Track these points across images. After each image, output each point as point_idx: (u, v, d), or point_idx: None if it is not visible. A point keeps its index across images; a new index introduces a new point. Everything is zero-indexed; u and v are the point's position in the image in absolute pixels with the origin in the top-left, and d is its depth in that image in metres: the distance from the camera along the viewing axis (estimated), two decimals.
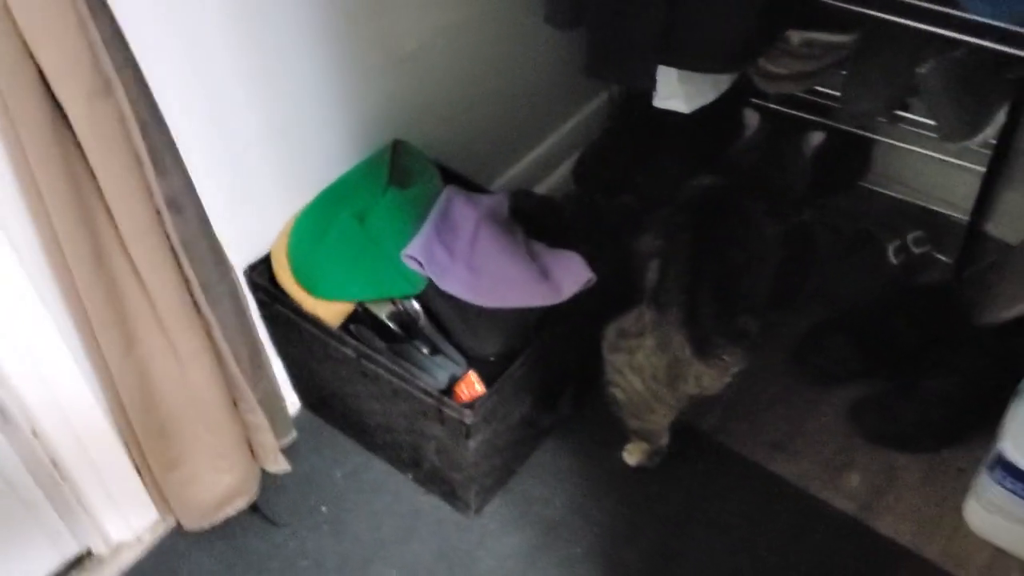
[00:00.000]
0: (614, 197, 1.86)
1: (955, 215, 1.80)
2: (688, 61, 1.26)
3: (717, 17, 1.19)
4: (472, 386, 1.24)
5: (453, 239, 1.30)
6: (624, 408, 1.35)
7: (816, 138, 1.77)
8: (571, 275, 1.29)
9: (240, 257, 1.34)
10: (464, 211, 1.33)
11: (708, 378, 1.26)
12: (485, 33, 1.56)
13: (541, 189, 1.87)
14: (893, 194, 1.82)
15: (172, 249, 1.09)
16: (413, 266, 1.29)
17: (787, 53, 1.53)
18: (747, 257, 1.31)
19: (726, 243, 1.29)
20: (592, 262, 1.33)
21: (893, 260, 1.65)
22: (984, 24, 1.42)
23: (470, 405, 1.22)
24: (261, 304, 1.38)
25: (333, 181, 1.37)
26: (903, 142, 1.74)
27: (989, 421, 1.45)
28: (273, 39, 1.22)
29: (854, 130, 1.70)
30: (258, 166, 1.30)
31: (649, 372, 1.27)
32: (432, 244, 1.29)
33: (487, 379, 1.28)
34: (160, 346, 1.15)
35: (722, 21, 1.19)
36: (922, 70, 1.45)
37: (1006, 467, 1.27)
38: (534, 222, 1.47)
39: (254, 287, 1.36)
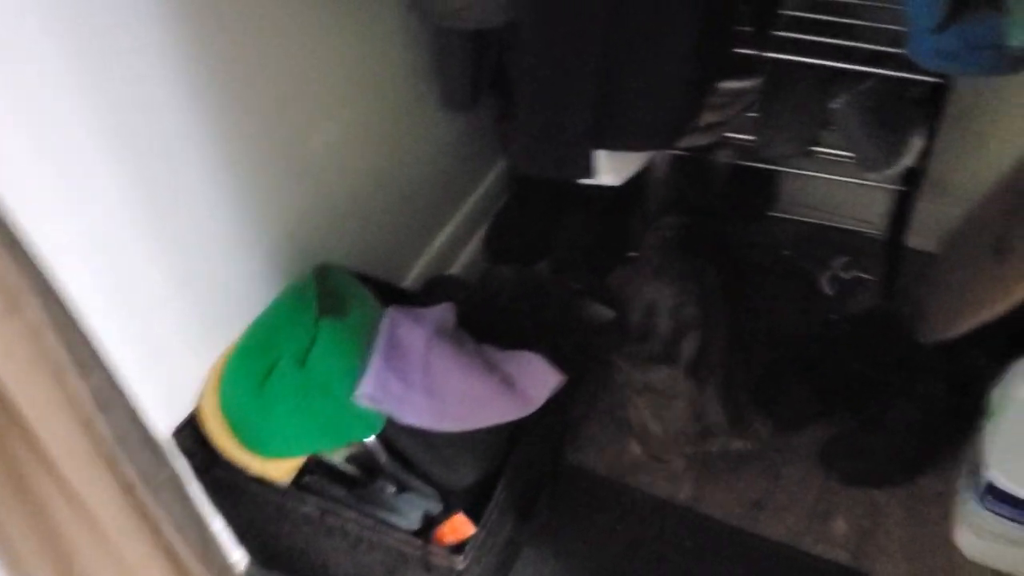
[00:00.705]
0: (529, 265, 1.80)
1: (871, 232, 1.82)
2: (626, 143, 1.19)
3: (652, 94, 1.13)
4: (461, 528, 1.14)
5: (405, 365, 1.20)
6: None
7: (718, 167, 1.77)
8: (538, 380, 1.21)
9: (165, 423, 1.20)
10: (411, 332, 1.22)
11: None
12: (382, 126, 1.46)
13: (455, 269, 1.78)
14: (803, 219, 1.82)
15: (105, 454, 0.95)
16: (368, 404, 1.17)
17: None
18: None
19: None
20: (555, 357, 1.24)
21: (828, 291, 1.64)
22: (885, 53, 1.43)
23: (458, 548, 1.12)
24: (197, 470, 1.24)
25: (257, 322, 1.24)
26: (808, 170, 1.74)
27: (957, 440, 1.46)
28: (166, 184, 1.09)
29: (756, 164, 1.69)
30: (169, 322, 1.16)
31: (676, 426, 1.34)
32: (384, 376, 1.18)
33: (465, 507, 1.18)
34: (103, 563, 1.00)
35: (658, 97, 1.13)
36: (835, 105, 1.44)
37: (996, 494, 1.26)
38: (473, 317, 1.39)
39: (187, 453, 1.22)
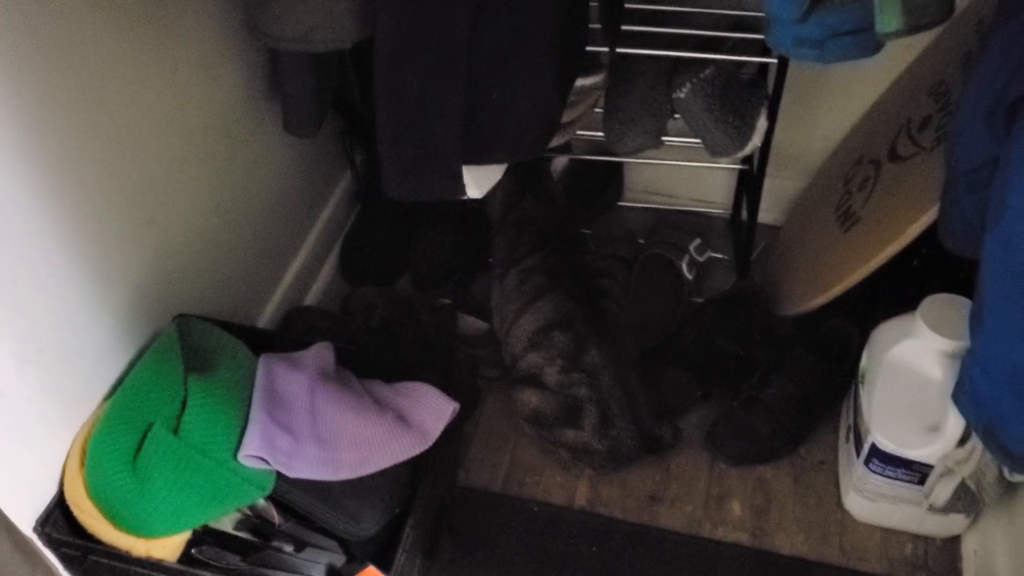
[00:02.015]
0: (390, 283, 1.73)
1: (718, 212, 1.86)
2: (496, 156, 1.15)
3: (519, 104, 1.09)
4: None
5: (289, 416, 1.12)
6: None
7: (559, 164, 1.77)
8: (432, 412, 1.15)
9: (29, 515, 1.07)
10: (290, 379, 1.14)
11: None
12: (222, 159, 1.36)
13: (313, 296, 1.69)
14: (652, 206, 1.85)
15: None
16: (255, 464, 1.08)
17: None
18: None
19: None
20: (445, 381, 1.19)
21: (688, 275, 1.66)
22: (718, 38, 1.46)
23: None
24: (69, 561, 1.11)
25: (119, 390, 1.12)
26: (654, 158, 1.76)
27: (833, 408, 1.51)
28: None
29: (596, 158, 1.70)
30: (19, 405, 1.04)
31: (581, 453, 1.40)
32: (269, 431, 1.09)
33: (370, 554, 1.12)
34: None
35: (525, 106, 1.10)
36: (679, 95, 1.45)
37: (881, 456, 1.31)
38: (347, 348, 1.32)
39: (55, 544, 1.09)
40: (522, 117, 1.12)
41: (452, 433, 1.19)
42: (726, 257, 1.78)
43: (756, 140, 1.47)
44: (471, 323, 1.60)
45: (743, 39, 1.46)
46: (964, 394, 1.09)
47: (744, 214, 1.82)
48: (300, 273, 1.64)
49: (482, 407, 1.56)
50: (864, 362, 1.41)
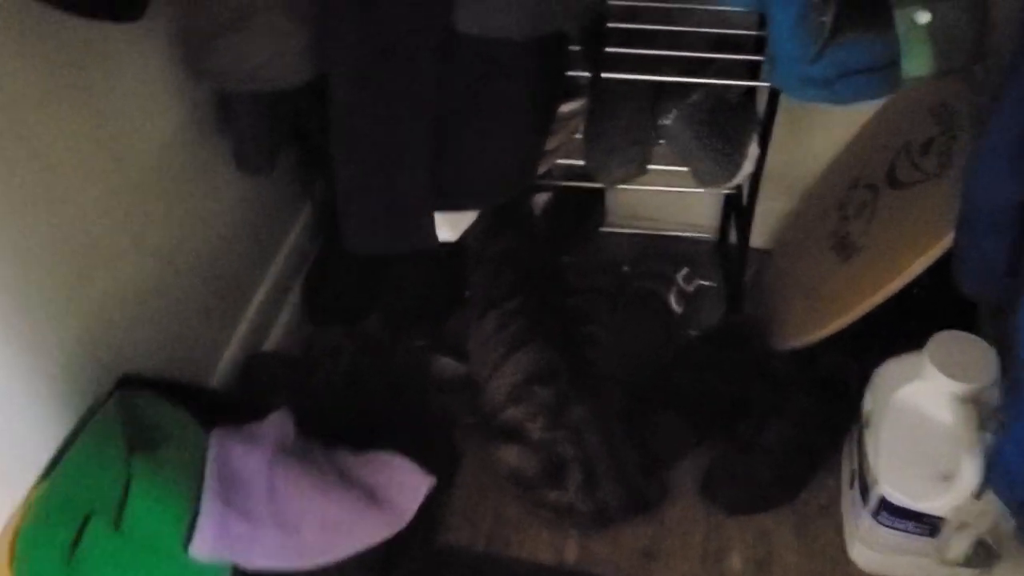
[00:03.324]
0: (358, 322, 1.62)
1: (705, 236, 1.77)
2: (472, 203, 1.05)
3: (496, 148, 0.99)
4: None
5: (247, 499, 1.00)
6: None
7: (541, 200, 1.66)
8: (405, 488, 1.05)
9: None
10: (248, 457, 1.03)
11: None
12: (169, 201, 1.25)
13: (275, 339, 1.57)
14: (636, 231, 1.75)
15: None
16: (208, 556, 0.97)
17: None
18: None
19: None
20: (420, 449, 1.09)
21: (677, 309, 1.57)
22: (703, 59, 1.35)
23: None
24: None
25: (53, 475, 1.00)
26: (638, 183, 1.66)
27: (830, 451, 1.42)
28: None
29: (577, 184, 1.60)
30: None
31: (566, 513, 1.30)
32: (223, 517, 0.98)
33: None
34: None
35: (503, 149, 0.99)
36: (666, 122, 1.35)
37: (891, 509, 1.22)
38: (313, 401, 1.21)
39: None
40: (496, 161, 1.01)
41: (429, 506, 1.08)
42: (714, 284, 1.69)
43: (747, 168, 1.37)
44: (447, 365, 1.50)
45: (728, 60, 1.37)
46: (997, 472, 1.00)
47: (732, 237, 1.73)
48: (260, 315, 1.53)
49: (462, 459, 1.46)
50: (868, 404, 1.32)
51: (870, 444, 1.28)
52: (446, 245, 1.52)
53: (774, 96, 1.33)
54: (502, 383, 1.33)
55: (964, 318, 1.33)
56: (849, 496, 1.35)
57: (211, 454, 1.02)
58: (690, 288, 1.60)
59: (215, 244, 1.38)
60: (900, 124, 1.47)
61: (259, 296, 1.53)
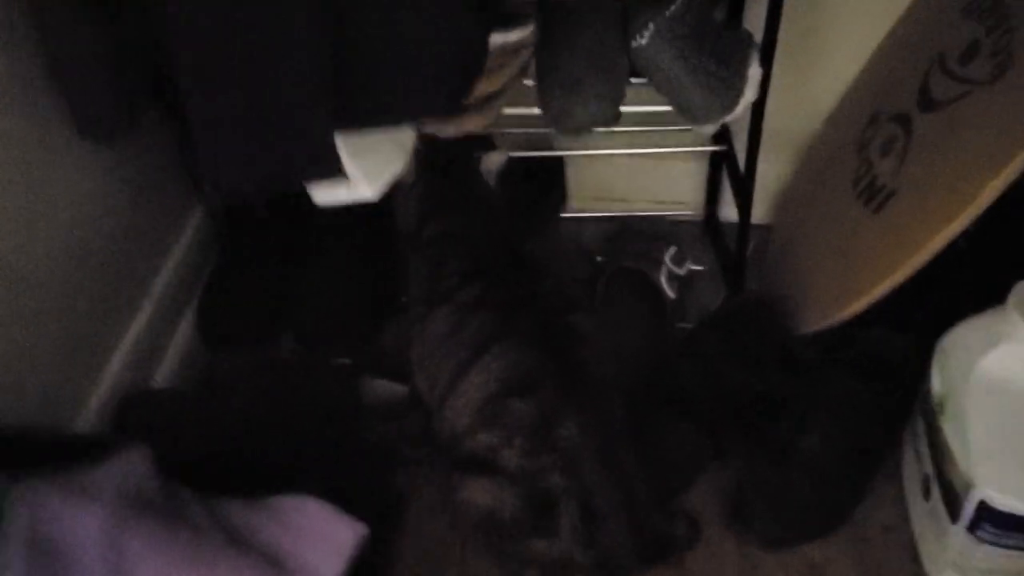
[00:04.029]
0: (266, 344, 1.28)
1: (684, 213, 1.46)
2: (389, 115, 0.72)
3: (414, 27, 0.66)
4: None
5: None
6: None
7: (495, 162, 1.31)
8: (324, 545, 0.71)
9: None
10: (73, 521, 0.67)
11: None
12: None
13: (165, 372, 1.22)
14: (598, 215, 1.44)
15: None
16: None
17: None
18: None
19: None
20: (346, 491, 0.74)
21: (671, 294, 1.25)
22: None
23: None
24: None
25: None
26: (604, 147, 1.36)
27: (887, 452, 1.11)
28: None
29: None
30: None
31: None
32: None
33: None
34: None
35: (425, 28, 0.66)
36: (640, 41, 1.04)
37: (998, 520, 0.90)
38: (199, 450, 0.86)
39: None
40: (421, 48, 0.68)
41: (363, 569, 0.73)
42: (705, 268, 1.38)
43: (749, 94, 1.08)
44: (383, 388, 1.16)
45: None
46: None
47: (722, 213, 1.43)
48: (141, 345, 1.17)
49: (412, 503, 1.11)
50: (938, 385, 1.01)
51: (951, 436, 0.96)
52: (369, 215, 1.21)
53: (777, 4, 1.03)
54: (465, 400, 0.99)
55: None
56: (923, 509, 1.03)
57: (18, 521, 0.66)
58: (682, 271, 1.29)
59: (71, 255, 1.03)
60: (926, 35, 1.19)
61: (140, 321, 1.18)
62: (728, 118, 1.07)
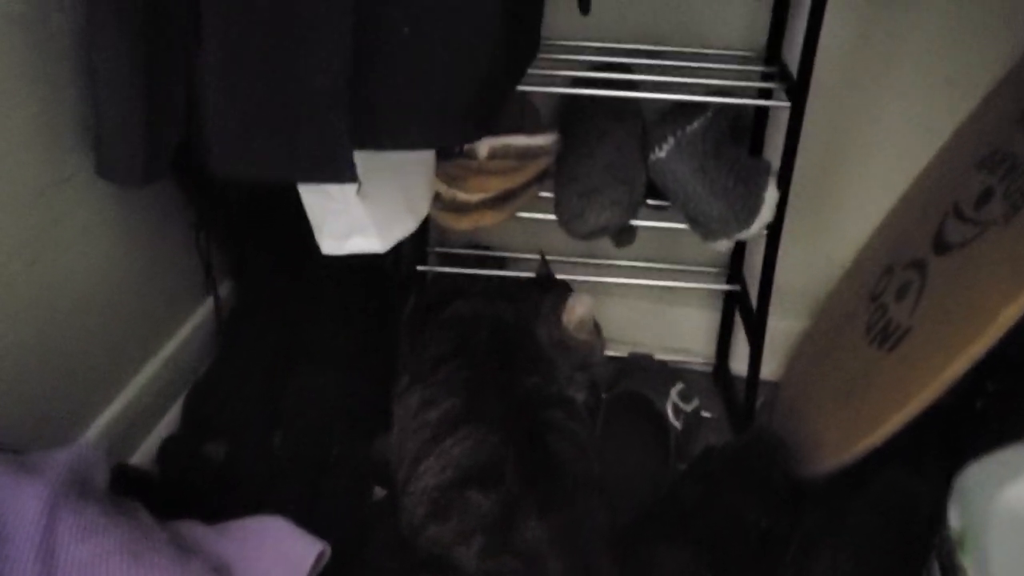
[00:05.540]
0: (252, 440, 1.22)
1: (693, 361, 1.43)
2: (407, 136, 0.72)
3: (441, 45, 0.68)
4: None
5: (3, 560, 0.58)
6: None
7: (582, 309, 1.25)
8: (279, 558, 0.64)
9: None
10: (13, 497, 0.61)
11: None
12: None
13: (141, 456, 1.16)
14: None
15: None
16: None
17: (477, 171, 1.08)
18: None
19: None
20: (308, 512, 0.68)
21: (676, 424, 1.20)
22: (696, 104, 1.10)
23: None
24: None
25: None
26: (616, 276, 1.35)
27: None
28: None
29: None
30: None
31: None
32: None
33: None
34: None
35: (451, 50, 0.68)
36: (659, 154, 1.07)
37: None
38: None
39: None
40: (446, 67, 0.70)
41: None
42: (714, 416, 1.33)
43: (766, 215, 1.09)
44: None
45: (727, 104, 1.11)
46: None
47: (731, 364, 1.40)
48: (118, 427, 1.12)
49: None
50: (956, 522, 0.94)
51: (973, 572, 0.89)
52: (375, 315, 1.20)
53: (796, 125, 1.06)
54: (423, 486, 0.92)
55: None
56: None
57: None
58: (688, 408, 1.25)
59: (65, 305, 1.01)
60: (940, 189, 1.21)
61: (121, 401, 1.14)
62: (744, 235, 1.08)
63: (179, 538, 0.65)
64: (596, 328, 1.10)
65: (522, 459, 0.90)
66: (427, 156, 0.94)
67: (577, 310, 1.07)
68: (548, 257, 1.22)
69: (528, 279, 1.22)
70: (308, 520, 0.77)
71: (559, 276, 1.20)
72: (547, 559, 0.85)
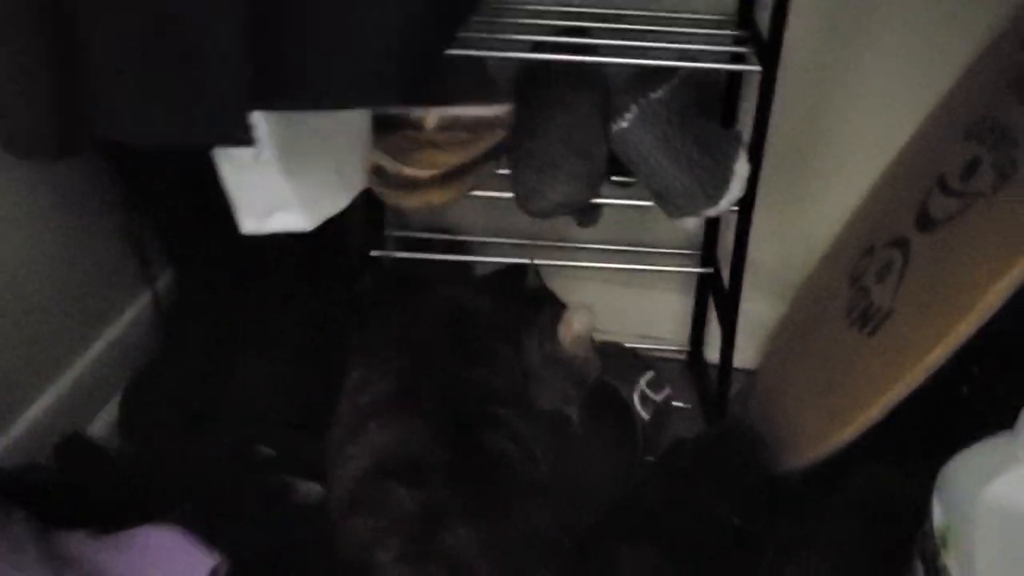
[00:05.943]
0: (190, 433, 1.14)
1: (666, 349, 1.36)
2: (322, 95, 0.64)
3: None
4: None
5: None
6: None
7: (582, 324, 1.17)
8: (168, 569, 0.56)
9: None
10: None
11: None
12: None
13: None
14: None
15: None
16: None
17: (425, 144, 1.00)
18: None
19: None
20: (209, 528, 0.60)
21: (643, 414, 1.12)
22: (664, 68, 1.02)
23: None
24: None
25: None
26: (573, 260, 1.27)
27: None
28: None
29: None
30: None
31: None
32: None
33: None
34: None
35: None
36: (622, 124, 0.99)
37: None
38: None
39: None
40: (355, 14, 0.62)
41: None
42: (687, 406, 1.26)
43: (736, 190, 1.01)
44: (306, 490, 1.01)
45: (695, 70, 1.03)
46: None
47: (706, 352, 1.33)
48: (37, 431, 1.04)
49: None
50: (939, 517, 0.87)
51: (956, 571, 0.82)
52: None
53: (768, 87, 0.98)
54: (344, 473, 0.84)
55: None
56: None
57: None
58: (658, 397, 1.17)
59: None
60: (925, 162, 1.13)
61: (59, 387, 1.07)
62: (712, 211, 1.00)
63: (57, 552, 0.57)
64: (592, 345, 1.02)
65: (454, 456, 0.83)
66: (360, 124, 0.86)
67: (575, 326, 0.99)
68: (509, 241, 1.14)
69: (502, 269, 1.14)
70: (227, 521, 0.70)
71: (517, 260, 1.12)
72: (475, 569, 0.77)
